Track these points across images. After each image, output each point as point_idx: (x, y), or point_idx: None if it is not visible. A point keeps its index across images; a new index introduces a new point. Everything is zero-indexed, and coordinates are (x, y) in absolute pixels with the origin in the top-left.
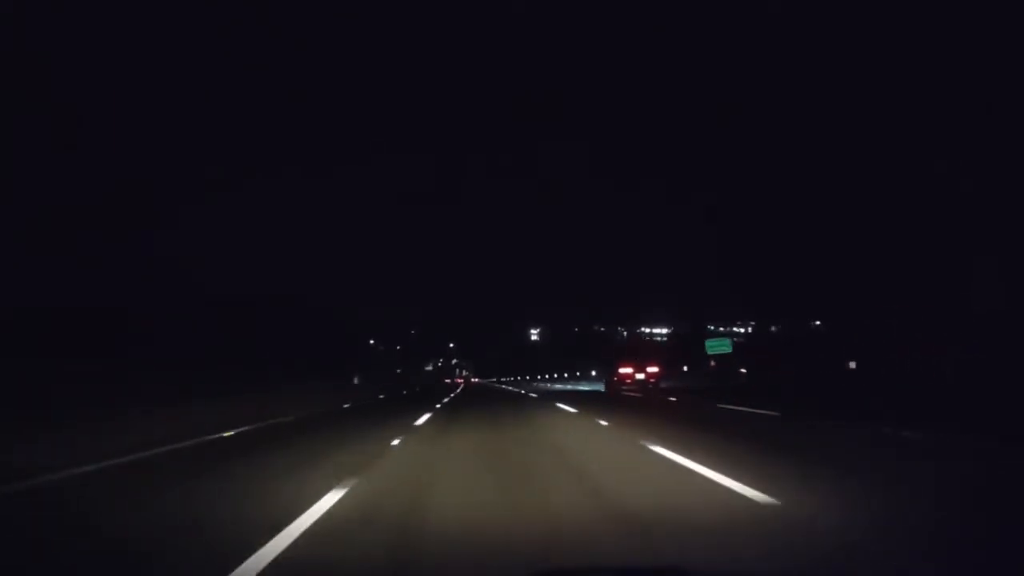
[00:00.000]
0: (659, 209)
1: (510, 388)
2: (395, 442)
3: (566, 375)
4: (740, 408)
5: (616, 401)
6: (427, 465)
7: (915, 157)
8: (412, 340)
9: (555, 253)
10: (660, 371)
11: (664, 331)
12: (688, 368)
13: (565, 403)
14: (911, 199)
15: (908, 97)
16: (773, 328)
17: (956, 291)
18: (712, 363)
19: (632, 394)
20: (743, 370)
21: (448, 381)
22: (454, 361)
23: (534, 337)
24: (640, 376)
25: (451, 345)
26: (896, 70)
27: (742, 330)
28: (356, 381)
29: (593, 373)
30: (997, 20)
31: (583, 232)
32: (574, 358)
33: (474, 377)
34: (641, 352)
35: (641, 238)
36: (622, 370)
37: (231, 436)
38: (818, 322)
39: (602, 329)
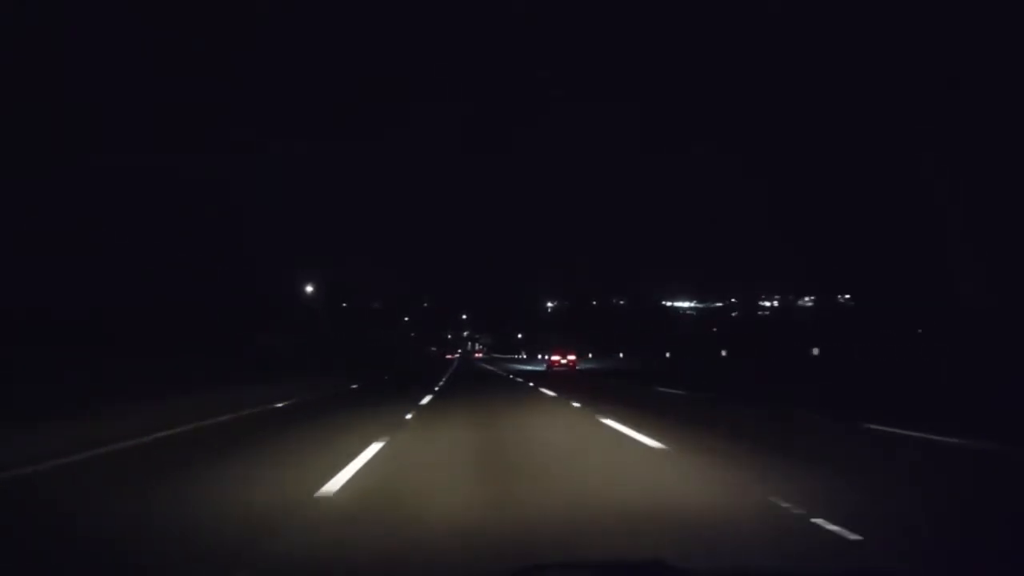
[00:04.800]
0: (685, 182)
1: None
2: None
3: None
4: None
5: (550, 376)
6: None
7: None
8: (423, 312)
9: (577, 226)
10: (576, 359)
11: (688, 304)
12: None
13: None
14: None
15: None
16: (802, 302)
17: (946, 285)
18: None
19: (560, 371)
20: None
21: (449, 356)
22: (465, 334)
23: (550, 310)
24: (564, 362)
25: (464, 317)
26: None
27: (767, 304)
28: None
29: (539, 356)
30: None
31: (605, 205)
32: (578, 337)
33: (477, 352)
34: (565, 348)
35: (668, 212)
36: (553, 357)
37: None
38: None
39: (621, 303)
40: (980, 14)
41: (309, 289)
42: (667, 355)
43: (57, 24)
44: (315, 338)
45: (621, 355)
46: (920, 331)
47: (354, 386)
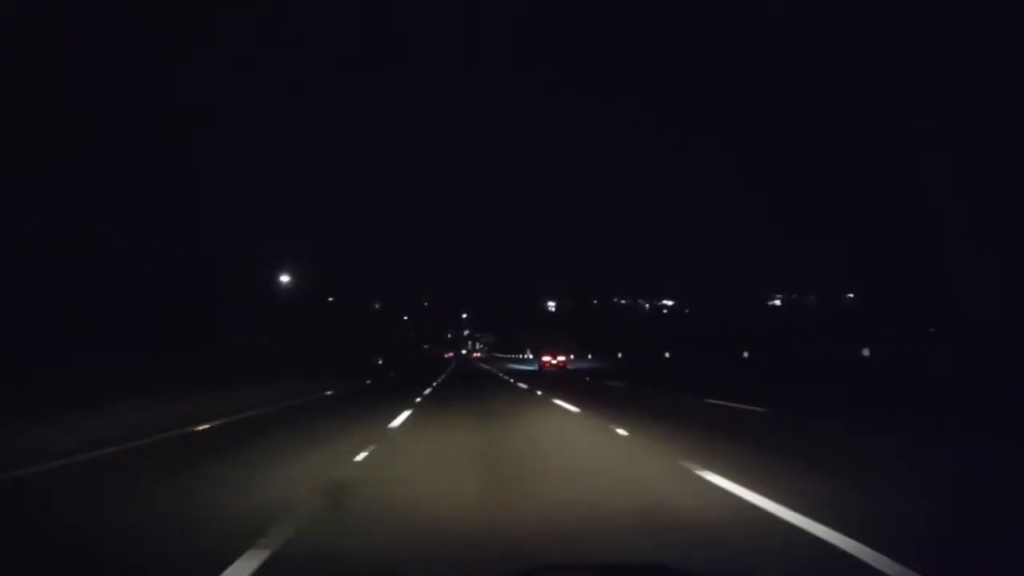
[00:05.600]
0: (685, 182)
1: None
2: None
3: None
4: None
5: (540, 375)
6: None
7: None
8: (424, 312)
9: (577, 226)
10: (566, 359)
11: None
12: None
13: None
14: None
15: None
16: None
17: (946, 285)
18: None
19: (551, 371)
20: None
21: (448, 355)
22: (466, 332)
23: (551, 309)
24: (555, 362)
25: (464, 316)
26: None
27: (771, 303)
28: None
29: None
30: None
31: (606, 205)
32: (577, 337)
33: (476, 352)
34: (556, 349)
35: (668, 212)
36: (544, 358)
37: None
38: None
39: (622, 302)
40: (980, 14)
41: (285, 279)
42: (666, 355)
43: (57, 24)
44: (314, 338)
45: (617, 355)
46: (924, 331)
47: (330, 392)
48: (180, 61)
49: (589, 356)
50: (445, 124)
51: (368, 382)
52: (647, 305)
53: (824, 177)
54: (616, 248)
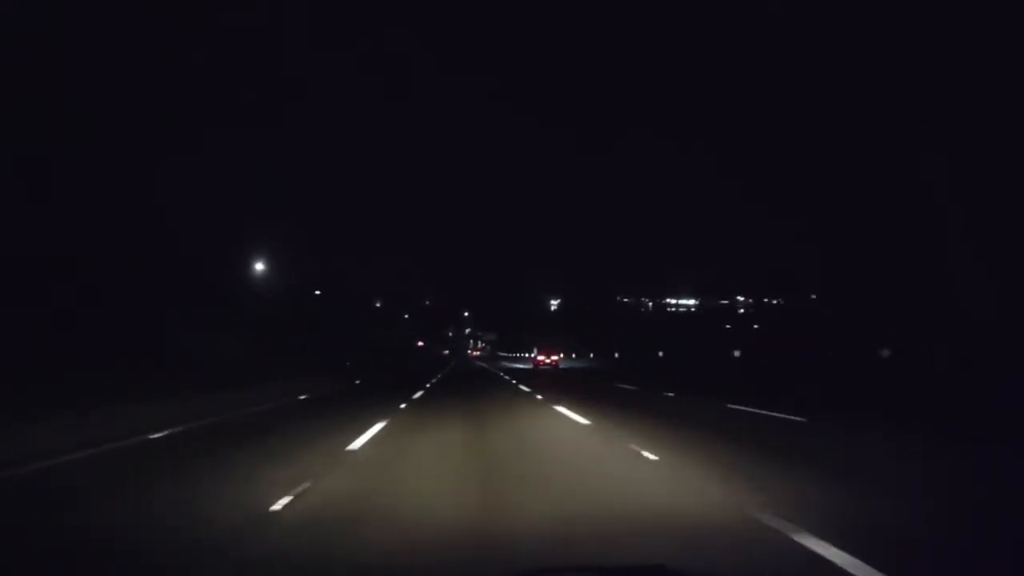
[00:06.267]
0: (690, 183)
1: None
2: None
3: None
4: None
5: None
6: None
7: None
8: (425, 311)
9: (577, 226)
10: (559, 359)
11: (691, 302)
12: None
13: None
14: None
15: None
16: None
17: (946, 285)
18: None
19: (545, 369)
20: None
21: (445, 353)
22: (467, 331)
23: (553, 308)
24: (548, 361)
25: (466, 314)
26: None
27: (774, 302)
28: None
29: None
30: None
31: (606, 204)
32: (577, 336)
33: (476, 351)
34: (550, 348)
35: (668, 212)
36: (539, 357)
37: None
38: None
39: (625, 300)
40: (980, 14)
41: (260, 267)
42: (659, 354)
43: (57, 24)
44: (312, 338)
45: (614, 355)
46: (925, 331)
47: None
48: (180, 61)
49: (573, 356)
50: (444, 124)
51: (303, 397)
52: (650, 304)
53: (824, 177)
54: (616, 247)
